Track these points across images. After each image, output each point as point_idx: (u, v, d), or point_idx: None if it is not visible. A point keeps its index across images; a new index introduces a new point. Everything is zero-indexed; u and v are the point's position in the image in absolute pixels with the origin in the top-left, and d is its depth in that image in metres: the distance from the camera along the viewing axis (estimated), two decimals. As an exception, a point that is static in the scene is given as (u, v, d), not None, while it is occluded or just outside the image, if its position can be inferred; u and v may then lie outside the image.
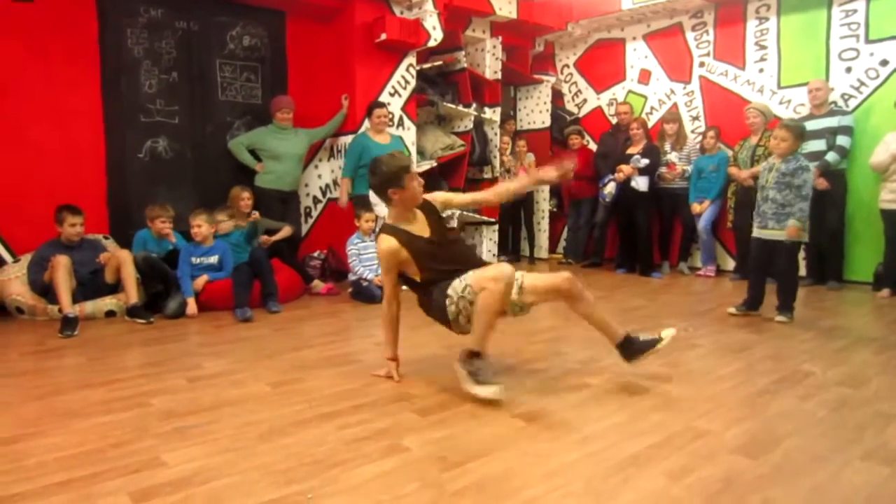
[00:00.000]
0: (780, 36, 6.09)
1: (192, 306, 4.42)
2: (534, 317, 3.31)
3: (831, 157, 5.35)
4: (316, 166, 6.31)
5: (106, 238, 4.99)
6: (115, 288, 4.44)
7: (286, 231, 5.36)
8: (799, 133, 4.09)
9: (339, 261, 5.82)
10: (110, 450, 2.12)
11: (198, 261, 4.63)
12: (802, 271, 5.75)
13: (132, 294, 4.30)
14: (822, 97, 5.51)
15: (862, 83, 5.59)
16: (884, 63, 5.47)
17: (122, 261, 4.37)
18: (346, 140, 5.88)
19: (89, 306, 4.30)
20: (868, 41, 5.56)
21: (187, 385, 2.86)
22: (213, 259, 4.68)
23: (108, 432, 2.28)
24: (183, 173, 5.58)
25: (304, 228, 6.30)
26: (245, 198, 5.21)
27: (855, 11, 5.61)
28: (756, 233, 4.29)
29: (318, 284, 5.37)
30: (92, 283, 4.40)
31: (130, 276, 4.33)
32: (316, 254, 6.00)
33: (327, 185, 6.27)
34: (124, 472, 1.95)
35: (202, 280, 4.55)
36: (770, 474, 1.96)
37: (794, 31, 6.00)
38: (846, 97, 5.67)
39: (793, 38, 6.01)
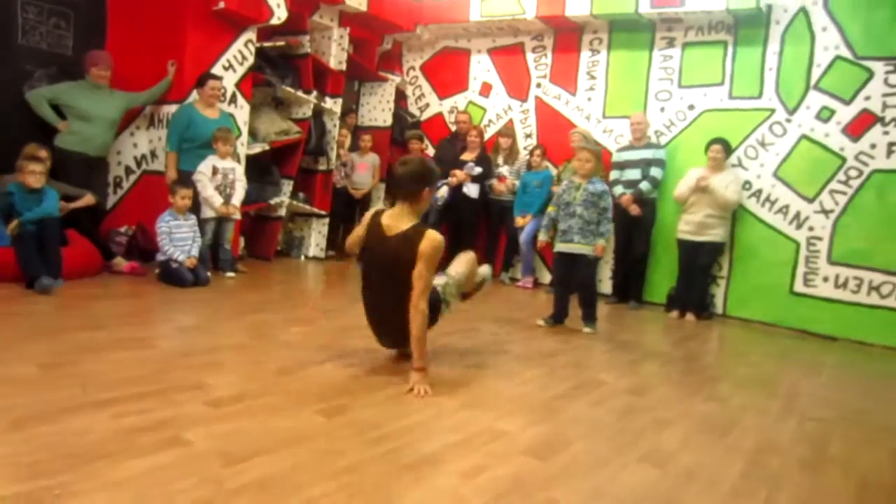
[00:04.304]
0: (609, 69, 6.54)
1: None
2: (357, 312, 3.25)
3: (644, 185, 5.83)
4: (132, 133, 5.73)
5: None
6: None
7: (87, 199, 4.80)
8: (599, 156, 4.60)
9: (148, 239, 5.32)
10: None
11: None
12: (609, 290, 6.22)
13: None
14: (642, 130, 6.00)
15: (672, 122, 6.17)
16: (691, 107, 6.07)
17: None
18: (170, 109, 5.40)
19: None
20: (680, 86, 6.14)
21: (-71, 362, 2.42)
22: None
23: None
24: (-36, 122, 4.80)
25: (112, 200, 5.70)
26: (41, 157, 4.59)
27: (671, 58, 6.18)
28: (560, 247, 4.52)
29: (120, 262, 4.85)
30: None
31: None
32: (123, 229, 5.43)
33: (143, 156, 5.71)
34: None
35: None
36: (557, 475, 2.02)
37: (621, 67, 6.48)
38: (658, 133, 6.22)
39: (619, 72, 6.49)
